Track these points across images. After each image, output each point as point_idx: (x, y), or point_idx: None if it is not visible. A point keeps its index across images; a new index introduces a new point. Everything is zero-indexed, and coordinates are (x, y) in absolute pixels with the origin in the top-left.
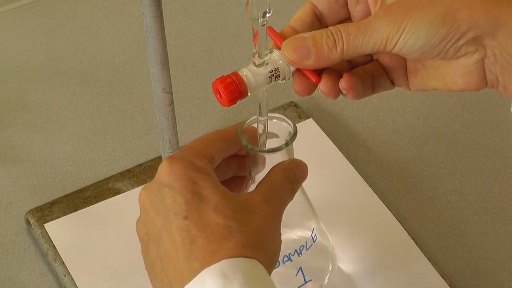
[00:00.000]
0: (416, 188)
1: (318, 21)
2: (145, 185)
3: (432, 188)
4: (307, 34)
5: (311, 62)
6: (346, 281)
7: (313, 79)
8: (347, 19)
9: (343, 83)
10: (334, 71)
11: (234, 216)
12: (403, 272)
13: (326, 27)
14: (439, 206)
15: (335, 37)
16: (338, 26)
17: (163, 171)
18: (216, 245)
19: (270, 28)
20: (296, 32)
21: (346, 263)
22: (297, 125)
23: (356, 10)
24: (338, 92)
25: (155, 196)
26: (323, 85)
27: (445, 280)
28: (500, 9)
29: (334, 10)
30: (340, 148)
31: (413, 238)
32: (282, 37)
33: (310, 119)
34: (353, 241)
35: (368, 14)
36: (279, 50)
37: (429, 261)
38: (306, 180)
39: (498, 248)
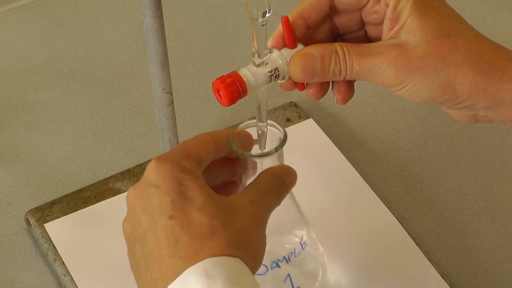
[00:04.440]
0: (416, 188)
1: (329, 10)
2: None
3: (432, 188)
4: (315, 52)
5: (312, 81)
6: (346, 281)
7: (300, 87)
8: (358, 10)
9: (338, 97)
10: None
11: (219, 216)
12: (403, 272)
13: (335, 12)
14: (439, 206)
15: (341, 66)
16: (345, 53)
17: (151, 171)
18: (200, 244)
19: (286, 19)
20: (307, 27)
21: (345, 262)
22: (297, 125)
23: (370, 17)
24: (323, 96)
25: (142, 196)
26: (311, 95)
27: (445, 280)
28: (500, 85)
29: (349, 8)
30: (340, 148)
31: (413, 238)
32: (293, 34)
33: (310, 119)
34: (352, 240)
35: (380, 21)
36: (285, 44)
37: (429, 261)
38: (306, 180)
39: (498, 248)
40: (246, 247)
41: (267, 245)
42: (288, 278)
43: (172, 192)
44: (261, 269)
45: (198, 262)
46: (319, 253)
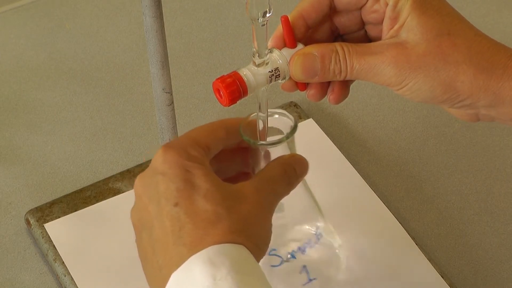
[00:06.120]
0: (416, 188)
1: (329, 10)
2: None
3: (432, 188)
4: (316, 51)
5: (313, 81)
6: (346, 281)
7: (301, 88)
8: (358, 9)
9: (331, 97)
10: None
11: (223, 203)
12: (403, 272)
13: (335, 11)
14: (439, 206)
15: (342, 66)
16: (346, 52)
17: (158, 158)
18: (204, 231)
19: (286, 19)
20: (307, 27)
21: (345, 262)
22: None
23: (369, 16)
24: (323, 97)
25: (149, 183)
26: (312, 96)
27: (445, 280)
28: (501, 84)
29: (349, 7)
30: (340, 148)
31: (413, 238)
32: (293, 34)
33: (310, 119)
34: (353, 241)
35: (380, 20)
36: (285, 44)
37: (429, 261)
38: (306, 180)
39: (498, 248)
40: (250, 234)
41: (282, 235)
42: (304, 269)
43: (178, 180)
44: (276, 260)
45: (202, 249)
46: (336, 244)
